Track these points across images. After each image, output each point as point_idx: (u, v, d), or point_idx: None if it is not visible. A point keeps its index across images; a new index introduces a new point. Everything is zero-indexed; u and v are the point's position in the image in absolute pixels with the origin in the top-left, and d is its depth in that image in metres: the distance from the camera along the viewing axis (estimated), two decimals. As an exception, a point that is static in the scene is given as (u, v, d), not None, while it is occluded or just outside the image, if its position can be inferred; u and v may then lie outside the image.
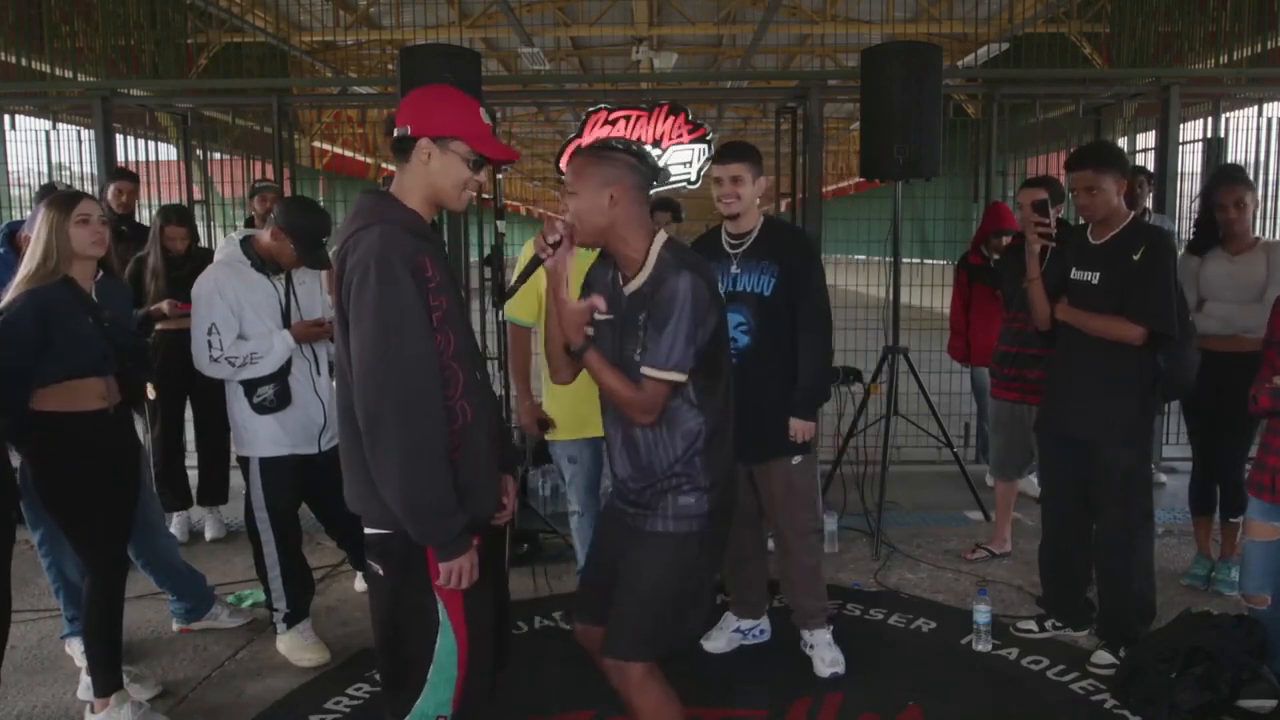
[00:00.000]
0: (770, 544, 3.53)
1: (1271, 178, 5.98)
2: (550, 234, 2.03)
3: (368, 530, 1.94)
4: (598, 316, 2.13)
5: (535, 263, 2.09)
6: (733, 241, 3.10)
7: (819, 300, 3.07)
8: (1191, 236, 3.90)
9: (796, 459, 3.12)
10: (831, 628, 3.21)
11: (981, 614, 3.30)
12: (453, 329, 1.86)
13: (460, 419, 1.87)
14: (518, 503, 2.40)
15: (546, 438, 3.41)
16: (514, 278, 2.38)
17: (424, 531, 1.83)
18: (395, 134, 1.89)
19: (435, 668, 1.90)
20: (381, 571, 1.93)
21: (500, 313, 3.64)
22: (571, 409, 3.19)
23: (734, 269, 3.06)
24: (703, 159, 5.13)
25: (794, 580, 3.21)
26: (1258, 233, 3.88)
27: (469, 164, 1.89)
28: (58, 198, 2.73)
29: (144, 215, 5.52)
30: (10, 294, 2.66)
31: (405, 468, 1.78)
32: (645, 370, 2.00)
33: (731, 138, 21.52)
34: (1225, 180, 3.65)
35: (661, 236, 2.09)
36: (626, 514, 2.16)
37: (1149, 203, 4.93)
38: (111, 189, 4.80)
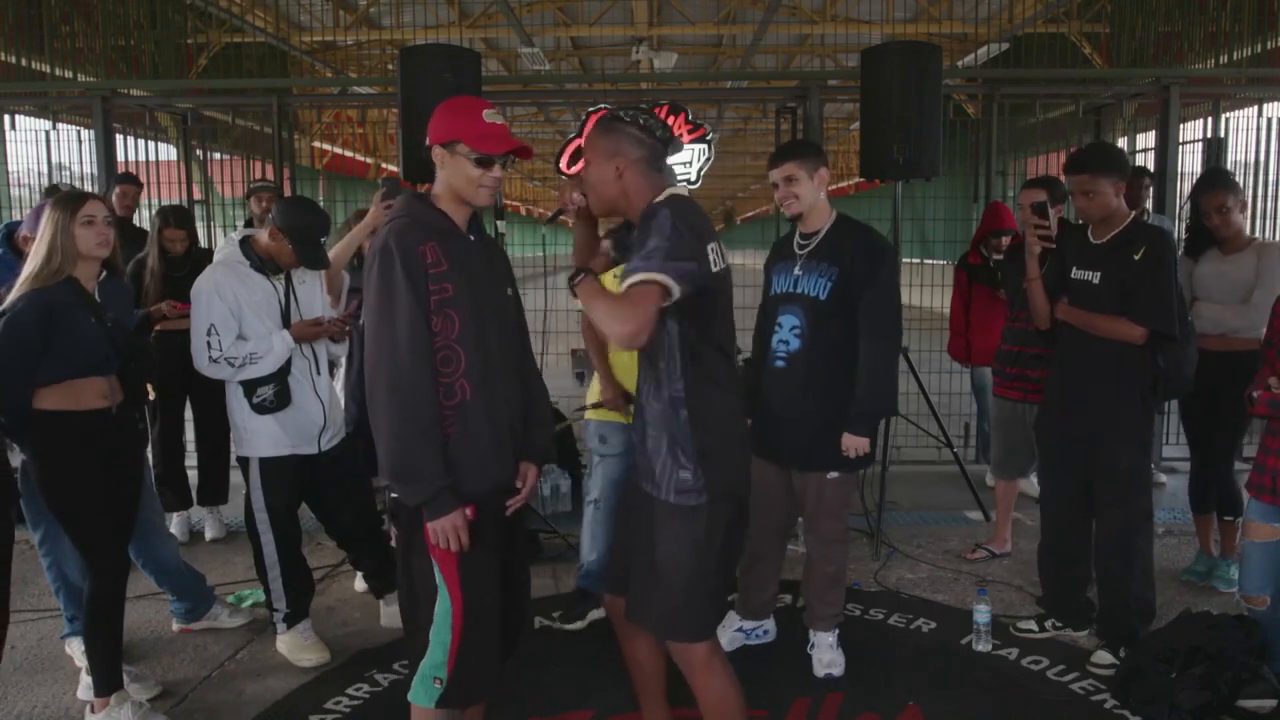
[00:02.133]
0: (791, 548, 3.53)
1: (1271, 178, 5.98)
2: (569, 203, 2.25)
3: (391, 494, 2.13)
4: None
5: (559, 213, 2.32)
6: (801, 242, 3.04)
7: (883, 304, 2.92)
8: (1185, 239, 3.90)
9: (833, 474, 3.03)
10: (838, 632, 3.21)
11: (981, 614, 3.30)
12: (458, 313, 2.01)
13: (459, 396, 2.03)
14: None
15: (586, 416, 3.42)
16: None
17: (405, 491, 2.02)
18: (426, 145, 2.10)
19: (433, 629, 2.06)
20: (397, 531, 2.14)
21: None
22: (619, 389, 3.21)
23: (796, 270, 2.99)
24: (703, 159, 5.15)
25: (811, 582, 3.22)
26: (1258, 234, 3.87)
27: (474, 163, 2.05)
28: (63, 198, 2.73)
29: (143, 216, 5.52)
30: (14, 293, 2.66)
31: (391, 434, 1.98)
32: (625, 282, 1.97)
33: (732, 138, 21.57)
34: (1206, 187, 3.65)
35: (669, 191, 2.13)
36: (640, 477, 2.24)
37: (1149, 203, 4.93)
38: (116, 191, 4.82)
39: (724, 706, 2.22)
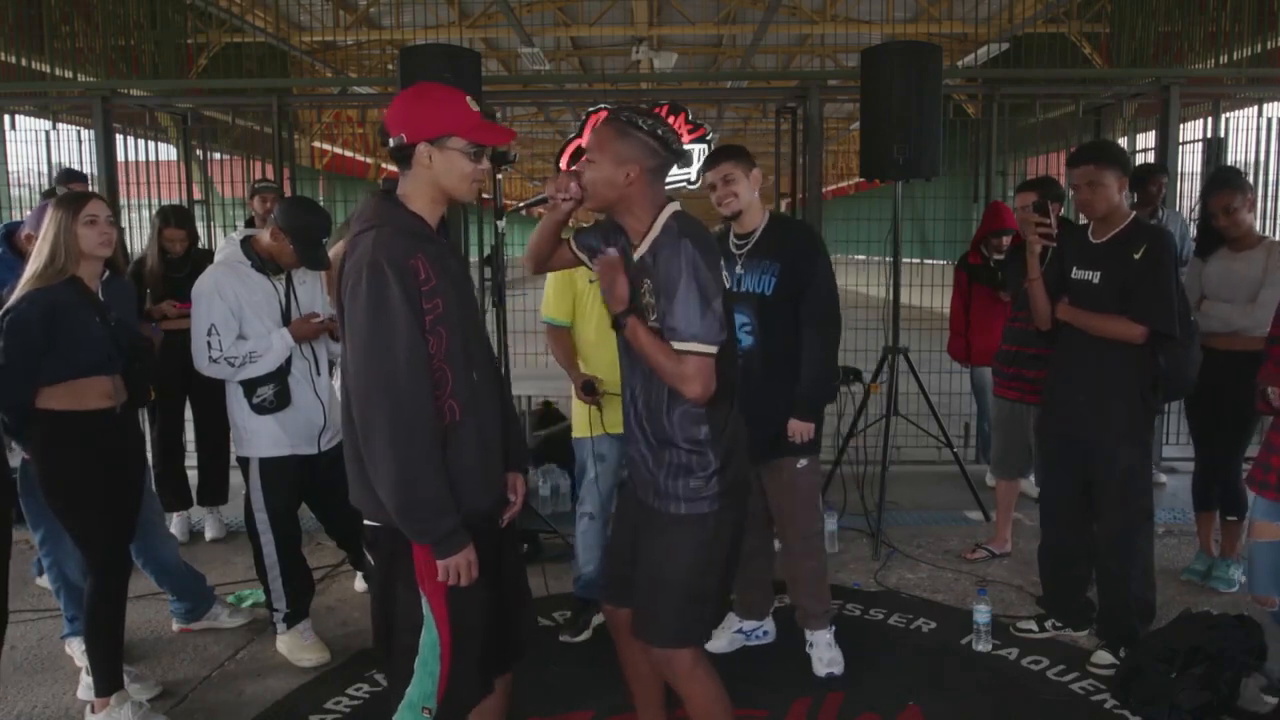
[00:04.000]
0: (776, 545, 3.53)
1: (1271, 178, 5.98)
2: (562, 191, 2.11)
3: (364, 522, 2.01)
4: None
5: (542, 199, 2.18)
6: (738, 241, 3.09)
7: (823, 295, 3.02)
8: (1195, 239, 3.90)
9: (801, 462, 3.09)
10: (834, 628, 3.21)
11: (981, 614, 3.30)
12: (447, 329, 1.89)
13: (448, 417, 1.91)
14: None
15: (575, 435, 3.41)
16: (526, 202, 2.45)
17: (416, 529, 1.88)
18: (392, 144, 1.91)
19: (420, 661, 1.96)
20: (373, 562, 2.02)
21: (499, 313, 3.64)
22: (605, 404, 3.20)
23: (739, 269, 3.05)
24: (703, 159, 5.14)
25: (797, 581, 3.21)
26: (1261, 233, 3.87)
27: (469, 156, 1.92)
28: (65, 198, 2.74)
29: (143, 216, 5.52)
30: (17, 293, 2.67)
31: (396, 467, 1.83)
32: (674, 346, 1.99)
33: (731, 138, 21.59)
34: (1215, 187, 3.65)
35: (672, 207, 2.11)
36: (640, 491, 2.21)
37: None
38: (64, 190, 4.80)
39: (715, 710, 2.21)
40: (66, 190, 4.71)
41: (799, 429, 3.04)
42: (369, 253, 1.82)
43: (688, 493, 2.10)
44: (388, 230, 1.86)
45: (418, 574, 1.92)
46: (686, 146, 5.13)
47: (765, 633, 3.37)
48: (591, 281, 2.82)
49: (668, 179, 2.20)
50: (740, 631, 3.33)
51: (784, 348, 3.03)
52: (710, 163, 3.06)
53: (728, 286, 3.03)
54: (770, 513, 3.22)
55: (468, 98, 1.95)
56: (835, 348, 3.15)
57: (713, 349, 2.00)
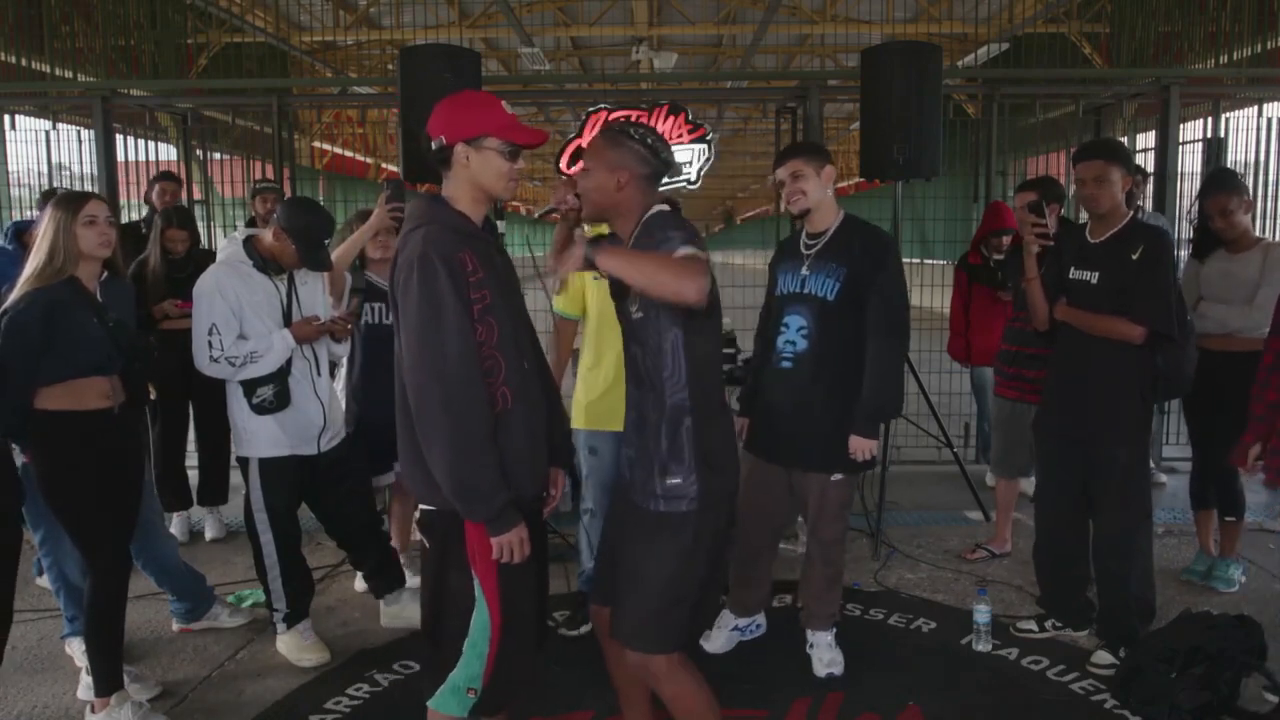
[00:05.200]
0: (789, 547, 3.54)
1: (1271, 178, 5.98)
2: (561, 203, 2.22)
3: (420, 506, 2.10)
4: None
5: (550, 210, 2.27)
6: (809, 242, 3.03)
7: (887, 300, 2.91)
8: (1191, 239, 3.90)
9: (836, 476, 3.03)
10: (835, 630, 3.21)
11: (981, 614, 3.30)
12: (496, 319, 1.97)
13: (500, 404, 1.99)
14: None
15: (572, 425, 3.41)
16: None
17: (471, 509, 1.96)
18: (433, 147, 2.01)
19: (469, 642, 2.02)
20: (427, 545, 2.10)
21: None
22: (601, 397, 3.19)
23: (804, 270, 2.98)
24: (703, 159, 5.15)
25: (810, 583, 3.21)
26: (1258, 233, 3.86)
27: (504, 155, 2.00)
28: (65, 197, 2.73)
29: (131, 216, 5.51)
30: (16, 292, 2.66)
31: (450, 452, 1.91)
32: (679, 253, 1.98)
33: (732, 138, 21.58)
34: (1211, 189, 3.65)
35: (659, 207, 2.15)
36: (628, 491, 2.22)
37: (1145, 202, 4.93)
38: (156, 189, 4.86)
39: (698, 709, 2.20)
40: (160, 189, 4.81)
41: (860, 446, 2.94)
42: (419, 247, 1.92)
43: (665, 490, 2.11)
44: (436, 227, 1.96)
45: (470, 554, 1.99)
46: (687, 147, 5.13)
47: (758, 626, 3.37)
48: (596, 278, 2.85)
49: (668, 183, 2.23)
50: (736, 629, 3.33)
51: (839, 356, 2.94)
52: (779, 161, 3.01)
53: (792, 288, 3.01)
54: (785, 521, 3.21)
55: (503, 102, 2.04)
56: (899, 360, 3.04)
57: (706, 256, 2.00)
